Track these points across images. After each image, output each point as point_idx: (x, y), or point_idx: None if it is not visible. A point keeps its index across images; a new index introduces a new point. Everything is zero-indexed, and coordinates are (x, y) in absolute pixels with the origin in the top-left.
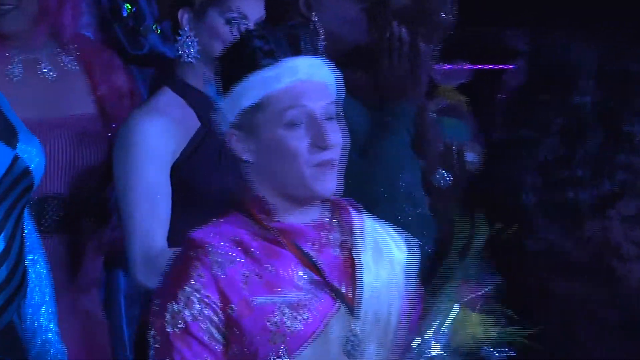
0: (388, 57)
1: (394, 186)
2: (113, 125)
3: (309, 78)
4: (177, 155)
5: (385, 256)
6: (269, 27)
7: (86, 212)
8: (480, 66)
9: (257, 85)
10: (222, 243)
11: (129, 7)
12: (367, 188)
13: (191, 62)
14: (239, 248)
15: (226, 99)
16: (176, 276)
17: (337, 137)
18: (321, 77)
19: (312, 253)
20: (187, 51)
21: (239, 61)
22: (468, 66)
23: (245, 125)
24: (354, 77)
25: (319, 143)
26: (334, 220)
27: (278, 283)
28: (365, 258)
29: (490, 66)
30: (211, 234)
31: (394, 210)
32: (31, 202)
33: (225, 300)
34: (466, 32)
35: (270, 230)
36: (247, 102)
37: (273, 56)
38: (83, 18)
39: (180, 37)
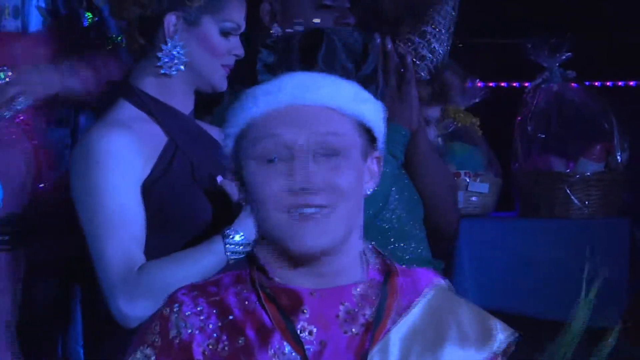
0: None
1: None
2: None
3: (294, 101)
4: (147, 172)
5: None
6: (288, 35)
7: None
8: (494, 83)
9: (244, 107)
10: (197, 302)
11: (90, 16)
12: None
13: (165, 74)
14: (216, 311)
15: (228, 119)
16: (138, 335)
17: (329, 177)
18: (319, 100)
19: (310, 326)
20: (171, 61)
21: (248, 76)
22: (480, 83)
23: (236, 157)
24: None
25: (291, 185)
26: (372, 290)
27: (244, 358)
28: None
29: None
30: (191, 292)
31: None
32: None
33: None
34: (478, 45)
35: (259, 293)
36: (234, 128)
37: (271, 70)
38: None
39: (166, 46)
